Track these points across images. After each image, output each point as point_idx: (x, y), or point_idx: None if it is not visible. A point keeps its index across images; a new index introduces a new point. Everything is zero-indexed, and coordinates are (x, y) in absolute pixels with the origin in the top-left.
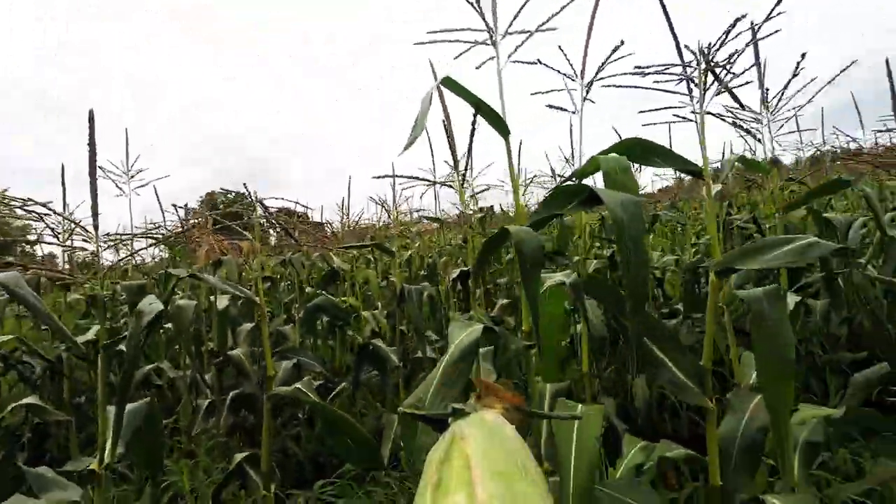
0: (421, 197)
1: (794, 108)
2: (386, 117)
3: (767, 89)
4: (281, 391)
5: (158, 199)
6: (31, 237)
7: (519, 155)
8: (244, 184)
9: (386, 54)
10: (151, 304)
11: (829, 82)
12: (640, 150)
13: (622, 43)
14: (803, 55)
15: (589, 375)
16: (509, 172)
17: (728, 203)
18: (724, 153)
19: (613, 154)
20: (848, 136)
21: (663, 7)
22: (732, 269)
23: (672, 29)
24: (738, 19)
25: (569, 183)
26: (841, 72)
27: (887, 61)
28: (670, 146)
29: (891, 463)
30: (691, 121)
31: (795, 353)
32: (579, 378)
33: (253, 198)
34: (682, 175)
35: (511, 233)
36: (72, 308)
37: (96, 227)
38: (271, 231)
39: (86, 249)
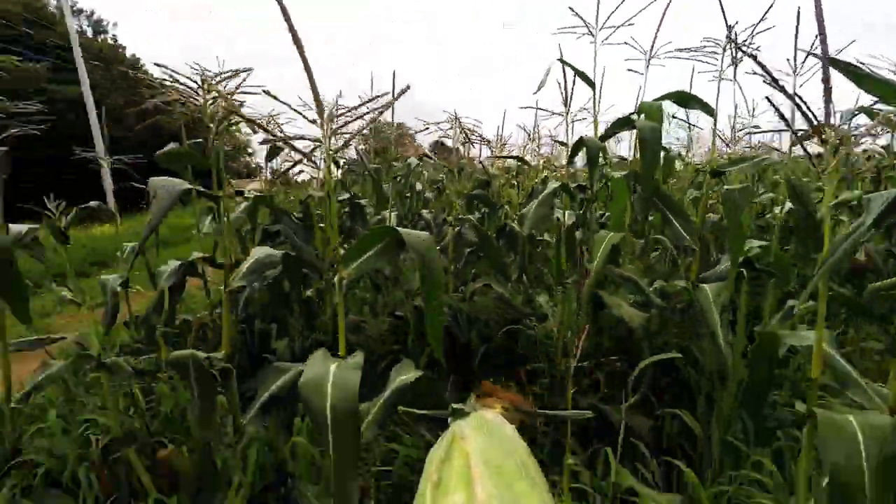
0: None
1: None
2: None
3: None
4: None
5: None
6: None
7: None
8: (455, 109)
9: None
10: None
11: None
12: (684, 97)
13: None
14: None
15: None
16: (593, 108)
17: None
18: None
19: (658, 101)
20: None
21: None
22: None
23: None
24: (731, 26)
25: (625, 116)
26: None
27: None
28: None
29: None
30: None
31: None
32: None
33: (454, 116)
34: None
35: (584, 140)
36: None
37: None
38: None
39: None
